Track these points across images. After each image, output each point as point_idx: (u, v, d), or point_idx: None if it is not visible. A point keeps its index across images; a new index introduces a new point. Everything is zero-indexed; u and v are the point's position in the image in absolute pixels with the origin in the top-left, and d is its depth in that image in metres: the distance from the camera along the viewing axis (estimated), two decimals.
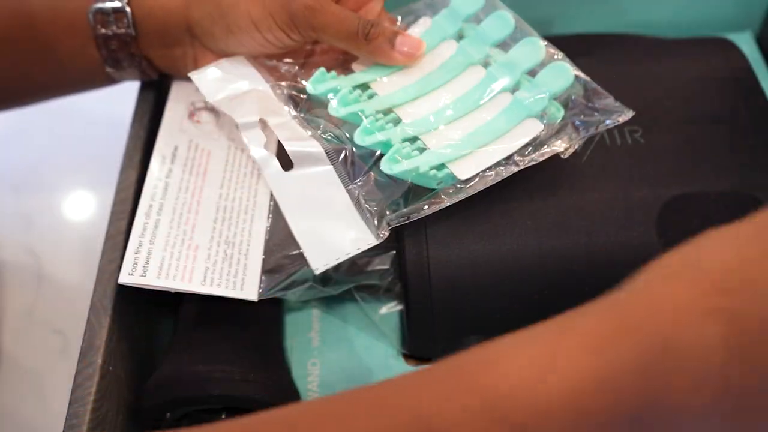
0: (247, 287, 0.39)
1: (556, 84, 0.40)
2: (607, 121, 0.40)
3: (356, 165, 0.41)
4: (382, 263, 0.44)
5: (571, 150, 0.40)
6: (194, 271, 0.39)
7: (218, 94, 0.43)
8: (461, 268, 0.40)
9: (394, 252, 0.44)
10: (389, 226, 0.39)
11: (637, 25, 0.57)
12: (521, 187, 0.42)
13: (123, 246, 0.40)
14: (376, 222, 0.39)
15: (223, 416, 0.41)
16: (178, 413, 0.40)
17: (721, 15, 0.58)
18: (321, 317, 0.47)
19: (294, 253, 0.40)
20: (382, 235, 0.39)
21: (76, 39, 0.44)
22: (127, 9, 0.43)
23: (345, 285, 0.44)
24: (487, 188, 0.39)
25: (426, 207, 0.39)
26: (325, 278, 0.44)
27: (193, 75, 0.44)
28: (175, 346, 0.41)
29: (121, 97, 0.51)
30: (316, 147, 0.41)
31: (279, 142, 0.42)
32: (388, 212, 0.39)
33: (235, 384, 0.39)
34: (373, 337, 0.45)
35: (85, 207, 0.61)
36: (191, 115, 0.46)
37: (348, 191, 0.40)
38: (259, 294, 0.39)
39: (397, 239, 0.43)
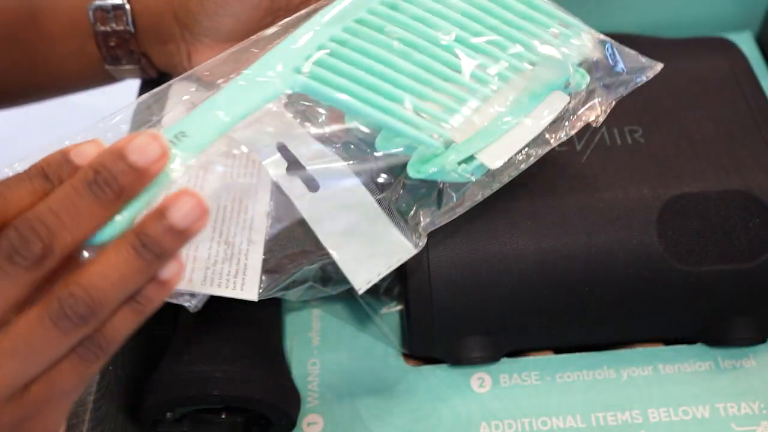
0: (247, 287, 0.39)
1: (577, 51, 0.38)
2: (637, 79, 0.39)
3: (382, 173, 0.39)
4: None
5: (603, 117, 0.38)
6: (194, 271, 0.39)
7: None
8: (461, 268, 0.40)
9: None
10: (426, 231, 0.38)
11: (637, 25, 0.57)
12: (521, 187, 0.42)
13: None
14: (411, 230, 0.38)
15: (223, 416, 0.41)
16: (178, 413, 0.40)
17: (721, 15, 0.58)
18: (321, 317, 0.47)
19: (294, 252, 0.40)
20: (420, 244, 0.38)
21: (77, 37, 0.45)
22: (127, 6, 0.43)
23: (345, 285, 0.44)
24: None
25: (460, 206, 0.37)
26: (325, 278, 0.44)
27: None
28: (174, 346, 0.41)
29: (122, 97, 0.51)
30: (338, 162, 0.40)
31: (300, 163, 0.41)
32: (422, 217, 0.38)
33: (235, 384, 0.39)
34: (373, 337, 0.45)
35: None
36: None
37: (378, 201, 0.39)
38: (259, 294, 0.39)
39: None
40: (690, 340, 0.44)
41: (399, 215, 0.39)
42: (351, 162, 0.40)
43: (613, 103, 0.39)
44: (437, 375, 0.44)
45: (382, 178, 0.39)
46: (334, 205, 0.40)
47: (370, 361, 0.44)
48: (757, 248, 0.40)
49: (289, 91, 0.34)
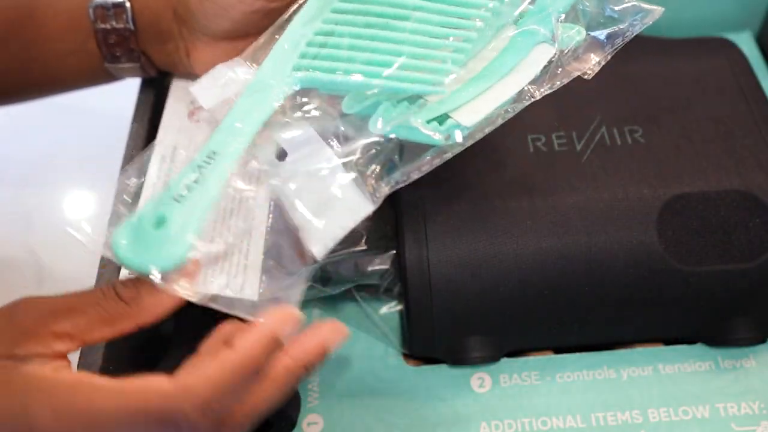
0: (248, 287, 0.39)
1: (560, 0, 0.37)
2: (632, 29, 0.37)
3: (350, 137, 0.38)
4: (382, 263, 0.44)
5: (597, 68, 0.36)
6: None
7: (213, 100, 0.43)
8: (461, 268, 0.40)
9: (394, 252, 0.44)
10: (390, 188, 0.36)
11: None
12: (521, 187, 0.42)
13: None
14: (372, 189, 0.37)
15: None
16: None
17: (721, 15, 0.58)
18: (321, 317, 0.47)
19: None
20: (376, 199, 0.36)
21: (77, 35, 0.45)
22: (127, 4, 0.43)
23: (345, 285, 0.44)
24: (486, 187, 0.38)
25: (428, 164, 0.36)
26: (325, 278, 0.44)
27: (192, 89, 0.44)
28: (175, 346, 0.41)
29: (122, 96, 0.51)
30: (306, 129, 0.40)
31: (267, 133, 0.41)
32: (384, 175, 0.36)
33: None
34: (373, 337, 0.45)
35: (86, 206, 0.61)
36: (191, 114, 0.46)
37: (344, 165, 0.37)
38: (260, 294, 0.39)
39: (397, 239, 0.43)
40: (690, 340, 0.44)
41: (360, 175, 0.37)
42: (318, 128, 0.39)
43: (609, 56, 0.37)
44: (437, 375, 0.44)
45: (345, 138, 0.38)
46: (301, 171, 0.38)
47: (370, 362, 0.44)
48: (757, 248, 0.40)
49: (296, 88, 0.37)
